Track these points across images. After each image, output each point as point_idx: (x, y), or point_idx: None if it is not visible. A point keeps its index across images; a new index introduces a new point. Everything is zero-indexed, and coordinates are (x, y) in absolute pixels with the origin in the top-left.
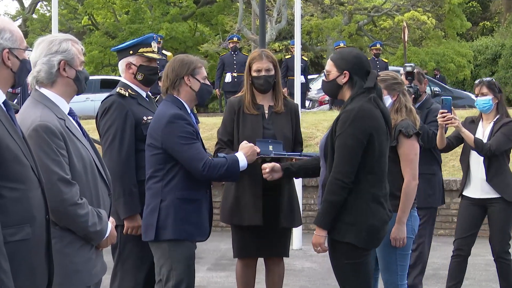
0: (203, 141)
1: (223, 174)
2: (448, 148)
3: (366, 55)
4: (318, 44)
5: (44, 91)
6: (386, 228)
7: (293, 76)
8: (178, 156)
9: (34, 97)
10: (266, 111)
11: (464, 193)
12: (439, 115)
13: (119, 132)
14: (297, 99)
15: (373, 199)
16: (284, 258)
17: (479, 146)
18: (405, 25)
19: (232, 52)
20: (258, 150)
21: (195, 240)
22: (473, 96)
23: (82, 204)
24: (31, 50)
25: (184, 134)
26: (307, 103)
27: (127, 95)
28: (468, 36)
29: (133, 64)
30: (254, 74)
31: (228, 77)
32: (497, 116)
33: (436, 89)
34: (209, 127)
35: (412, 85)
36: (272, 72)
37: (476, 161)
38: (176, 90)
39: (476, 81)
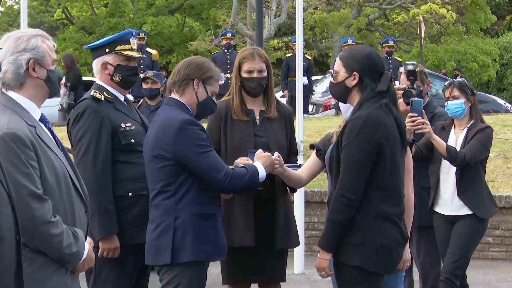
0: None
1: (245, 185)
2: (417, 157)
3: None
4: (323, 40)
5: (11, 94)
6: (400, 250)
7: (295, 77)
8: (195, 167)
9: (0, 102)
10: (257, 117)
11: (435, 209)
12: (407, 119)
13: (93, 141)
14: (299, 103)
15: (383, 216)
16: (282, 283)
17: (452, 155)
18: (422, 19)
19: (226, 50)
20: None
21: (214, 260)
22: (499, 100)
23: (55, 222)
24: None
25: (199, 142)
26: (310, 107)
27: (102, 99)
28: (493, 31)
29: (110, 64)
30: (244, 75)
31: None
32: (471, 122)
33: None
34: None
35: (415, 86)
36: (265, 74)
37: (447, 172)
38: (181, 90)
39: (446, 83)
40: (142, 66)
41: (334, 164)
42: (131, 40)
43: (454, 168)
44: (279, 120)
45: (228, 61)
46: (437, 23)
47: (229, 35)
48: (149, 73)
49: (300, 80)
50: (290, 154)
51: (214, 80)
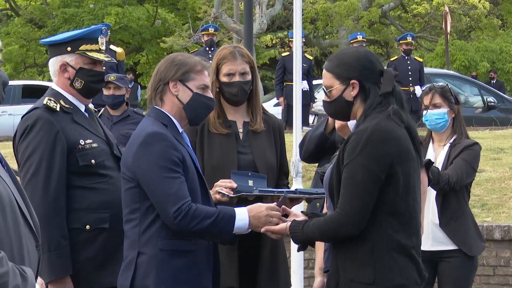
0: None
1: (204, 229)
2: None
3: (394, 52)
4: (327, 36)
5: None
6: None
7: (292, 81)
8: (150, 192)
9: None
10: (241, 130)
11: None
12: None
13: (45, 161)
14: (297, 113)
15: (398, 249)
16: None
17: (434, 177)
18: (447, 11)
19: (207, 48)
20: (234, 185)
21: None
22: None
23: None
24: None
25: (163, 162)
26: (311, 118)
27: (58, 108)
28: None
29: (71, 66)
30: (224, 79)
31: None
32: (454, 137)
33: (491, 99)
34: None
35: None
36: (249, 77)
37: (426, 199)
38: (158, 100)
39: (424, 88)
40: (104, 68)
41: (335, 188)
42: (99, 39)
43: (434, 193)
44: (266, 134)
45: (211, 61)
46: (466, 15)
47: (211, 29)
48: (111, 77)
49: (299, 85)
50: (280, 176)
51: (195, 72)
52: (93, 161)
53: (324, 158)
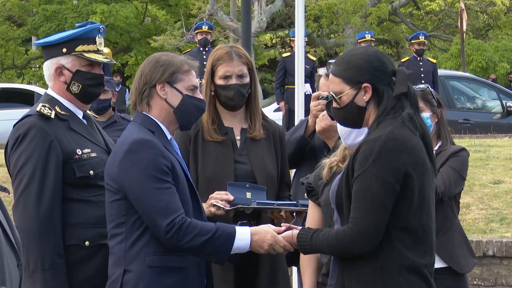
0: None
1: (197, 247)
2: None
3: (405, 52)
4: (332, 35)
5: None
6: None
7: (294, 84)
8: (137, 204)
9: None
10: (238, 137)
11: None
12: (312, 101)
13: (38, 172)
14: (300, 119)
15: (410, 268)
16: None
17: None
18: (463, 7)
19: (201, 48)
20: (231, 198)
21: None
22: None
23: None
24: None
25: (152, 171)
26: None
27: (52, 115)
28: None
29: (67, 69)
30: (219, 82)
31: None
32: (439, 143)
33: (511, 104)
34: None
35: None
36: (247, 79)
37: None
38: (146, 105)
39: None
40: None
41: (345, 202)
42: (97, 38)
43: None
44: (266, 142)
45: (205, 62)
46: (483, 12)
47: (205, 28)
48: None
49: (301, 88)
50: (282, 186)
51: (183, 72)
52: (91, 172)
53: (303, 163)
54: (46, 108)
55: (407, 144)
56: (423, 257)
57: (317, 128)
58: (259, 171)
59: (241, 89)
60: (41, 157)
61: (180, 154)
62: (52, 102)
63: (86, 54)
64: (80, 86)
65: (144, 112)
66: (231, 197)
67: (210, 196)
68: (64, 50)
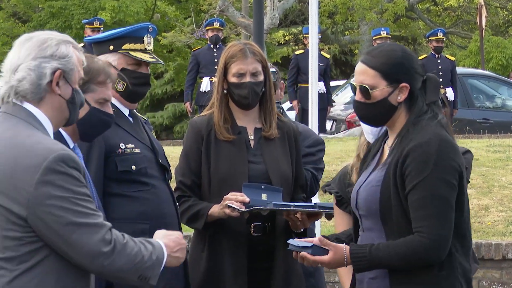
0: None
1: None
2: None
3: (422, 50)
4: (346, 32)
5: (29, 107)
6: None
7: (307, 83)
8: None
9: (14, 114)
10: (252, 137)
11: None
12: None
13: None
14: (314, 118)
15: (464, 275)
16: None
17: None
18: (482, 3)
19: (212, 46)
20: (247, 199)
21: None
22: None
23: None
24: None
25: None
26: (328, 124)
27: None
28: None
29: (113, 67)
30: (233, 79)
31: (205, 84)
32: None
33: None
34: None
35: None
36: (261, 77)
37: None
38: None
39: None
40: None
41: (395, 211)
42: (145, 38)
43: None
44: (280, 142)
45: (216, 60)
46: (503, 8)
47: (216, 24)
48: None
49: (315, 86)
50: (296, 188)
51: (96, 84)
52: (133, 167)
53: None
54: None
55: (455, 145)
56: (469, 262)
57: None
58: (273, 171)
59: (255, 87)
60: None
61: (83, 162)
62: None
63: (132, 53)
64: (125, 84)
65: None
66: (246, 199)
67: (225, 197)
68: (111, 47)
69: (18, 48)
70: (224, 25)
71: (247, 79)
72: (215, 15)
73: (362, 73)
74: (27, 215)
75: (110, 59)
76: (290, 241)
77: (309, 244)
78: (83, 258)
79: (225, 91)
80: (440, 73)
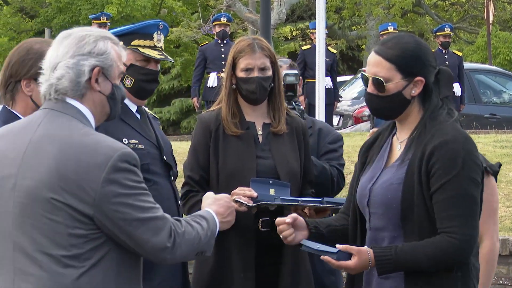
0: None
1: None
2: None
3: (429, 45)
4: (353, 27)
5: (75, 103)
6: None
7: (314, 78)
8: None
9: (62, 111)
10: (260, 132)
11: None
12: None
13: None
14: (320, 113)
15: (476, 276)
16: None
17: None
18: None
19: (219, 41)
20: (254, 194)
21: None
22: None
23: None
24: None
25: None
26: (335, 119)
27: None
28: None
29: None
30: (241, 74)
31: (212, 80)
32: None
33: None
34: (184, 156)
35: (295, 104)
36: (269, 73)
37: None
38: (9, 99)
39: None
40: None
41: (418, 210)
42: (155, 35)
43: None
44: (289, 137)
45: (223, 55)
46: (511, 3)
47: (223, 19)
48: None
49: (322, 82)
50: (304, 184)
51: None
52: None
53: None
54: None
55: (474, 142)
56: (478, 262)
57: None
58: (282, 166)
59: (263, 82)
60: None
61: None
62: None
63: (141, 49)
64: (133, 80)
65: (8, 107)
66: (254, 194)
67: (233, 192)
68: (121, 43)
69: (56, 46)
70: (232, 20)
71: (255, 74)
72: (222, 10)
73: (377, 64)
74: (93, 214)
75: None
76: (304, 242)
77: (334, 250)
78: (148, 253)
79: (233, 86)
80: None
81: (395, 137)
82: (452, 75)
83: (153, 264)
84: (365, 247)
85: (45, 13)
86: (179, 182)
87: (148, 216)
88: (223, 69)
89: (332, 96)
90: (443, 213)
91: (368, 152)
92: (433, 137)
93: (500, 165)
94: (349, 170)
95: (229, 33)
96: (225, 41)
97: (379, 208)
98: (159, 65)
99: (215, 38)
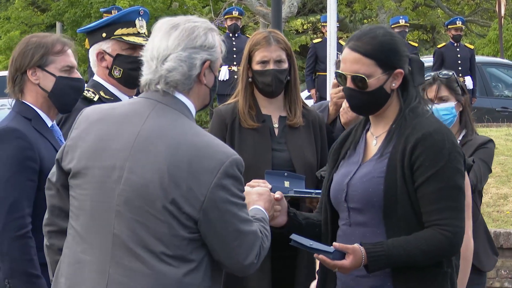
0: None
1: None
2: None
3: (441, 38)
4: (365, 21)
5: (182, 98)
6: None
7: (325, 71)
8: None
9: (171, 105)
10: (276, 125)
11: None
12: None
13: None
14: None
15: (457, 274)
16: None
17: None
18: None
19: (231, 34)
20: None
21: None
22: None
23: None
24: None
25: (12, 163)
26: None
27: (95, 99)
28: None
29: (107, 54)
30: (257, 67)
31: (223, 73)
32: (463, 133)
33: None
34: None
35: None
36: (285, 65)
37: None
38: (18, 92)
39: (427, 77)
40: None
41: (402, 204)
42: (137, 21)
43: None
44: (305, 130)
45: (235, 49)
46: None
47: (235, 13)
48: None
49: (333, 75)
50: (322, 177)
51: (54, 54)
52: None
53: None
54: (90, 92)
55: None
56: (459, 259)
57: (342, 120)
58: (297, 159)
59: (278, 75)
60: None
61: (63, 142)
62: (96, 87)
63: (125, 38)
64: (122, 70)
65: (20, 99)
66: (268, 186)
67: (247, 184)
68: (104, 34)
69: (164, 36)
70: (243, 13)
71: (271, 66)
72: (233, 4)
73: (356, 61)
74: (199, 217)
75: (104, 47)
76: (294, 237)
77: (329, 249)
78: (233, 264)
79: (249, 79)
80: (459, 62)
81: (369, 133)
82: (423, 62)
83: None
84: (357, 244)
85: (57, 6)
86: None
87: (247, 230)
88: (235, 63)
89: None
90: (431, 206)
91: (340, 150)
92: (414, 130)
93: (474, 161)
94: None
95: (241, 26)
96: (236, 35)
97: (359, 203)
98: None
99: (227, 31)
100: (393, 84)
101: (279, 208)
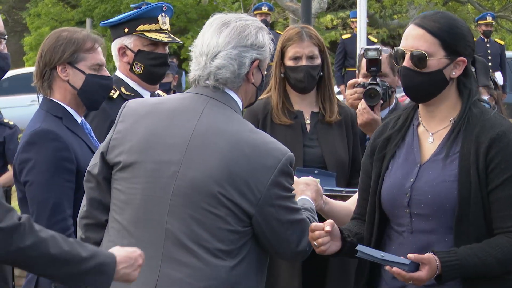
0: None
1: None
2: None
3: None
4: (395, 16)
5: (233, 95)
6: None
7: (355, 67)
8: (29, 198)
9: (225, 102)
10: (308, 121)
11: None
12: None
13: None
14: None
15: None
16: None
17: None
18: None
19: None
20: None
21: None
22: None
23: None
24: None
25: (48, 165)
26: None
27: (115, 96)
28: None
29: (129, 49)
30: (289, 63)
31: None
32: None
33: None
34: None
35: (378, 80)
36: (318, 61)
37: None
38: (47, 88)
39: None
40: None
41: (476, 209)
42: (160, 17)
43: None
44: (338, 127)
45: None
46: None
47: (264, 8)
48: None
49: None
50: (353, 174)
51: (84, 52)
52: None
53: None
54: None
55: None
56: None
57: (359, 121)
58: (329, 156)
59: (311, 71)
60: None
61: (93, 137)
62: (118, 83)
63: (147, 34)
64: (143, 66)
65: (48, 97)
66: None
67: None
68: (126, 30)
69: (215, 33)
70: (273, 9)
71: (303, 62)
72: (263, 0)
73: (419, 38)
74: (254, 213)
75: (126, 42)
76: (360, 248)
77: (405, 261)
78: (287, 253)
79: (282, 74)
80: (489, 57)
81: (421, 129)
82: (488, 65)
83: None
84: (430, 253)
85: (87, 2)
86: None
87: (298, 218)
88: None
89: None
90: (506, 211)
91: (385, 148)
92: (484, 128)
93: None
94: None
95: (270, 22)
96: None
97: (427, 209)
98: (167, 48)
99: None
100: (453, 73)
101: (327, 240)
